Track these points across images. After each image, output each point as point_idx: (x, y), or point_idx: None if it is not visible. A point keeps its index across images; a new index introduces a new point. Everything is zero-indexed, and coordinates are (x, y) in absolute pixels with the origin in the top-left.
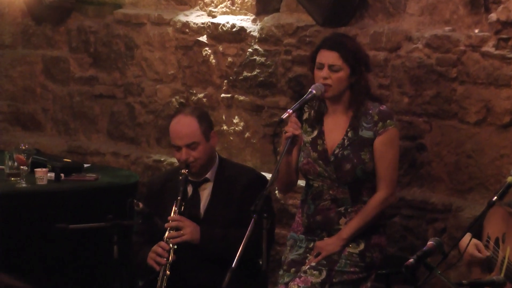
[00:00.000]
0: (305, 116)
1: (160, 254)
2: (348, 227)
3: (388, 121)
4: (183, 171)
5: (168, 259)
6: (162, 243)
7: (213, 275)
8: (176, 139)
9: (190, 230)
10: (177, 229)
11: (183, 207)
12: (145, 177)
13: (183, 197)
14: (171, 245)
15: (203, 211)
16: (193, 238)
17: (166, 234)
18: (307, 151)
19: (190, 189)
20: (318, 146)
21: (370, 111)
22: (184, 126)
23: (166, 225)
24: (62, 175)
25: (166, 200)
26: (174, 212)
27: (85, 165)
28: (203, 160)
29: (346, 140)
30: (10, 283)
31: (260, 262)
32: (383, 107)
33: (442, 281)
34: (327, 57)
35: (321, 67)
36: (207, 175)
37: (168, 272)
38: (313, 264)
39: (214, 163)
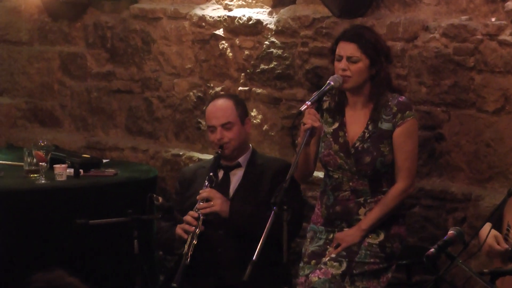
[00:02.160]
0: (326, 105)
1: (189, 222)
2: (368, 218)
3: (407, 112)
4: (218, 150)
5: (196, 227)
6: (191, 212)
7: (240, 251)
8: (213, 119)
9: (220, 202)
10: (207, 200)
11: (213, 184)
12: (164, 171)
13: (215, 174)
14: (200, 214)
15: (232, 194)
16: (222, 210)
17: (197, 205)
18: (328, 142)
19: (221, 174)
20: (340, 138)
21: (389, 103)
22: (221, 106)
23: (197, 197)
24: (81, 171)
25: (197, 183)
26: (205, 186)
27: (104, 161)
28: (237, 142)
29: (366, 133)
30: (70, 281)
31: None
32: (402, 98)
33: (463, 270)
34: (346, 48)
35: (340, 58)
36: (239, 160)
37: (195, 242)
38: (333, 255)
39: (247, 150)
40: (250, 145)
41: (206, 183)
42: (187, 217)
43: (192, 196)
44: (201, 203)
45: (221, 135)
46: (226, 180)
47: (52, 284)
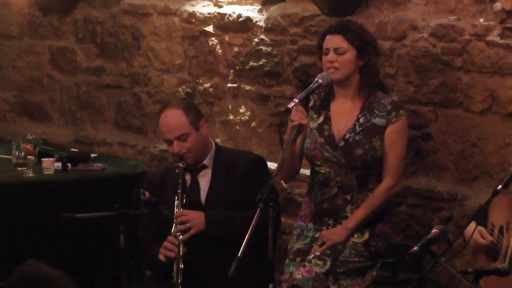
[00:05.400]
0: (311, 103)
1: (170, 249)
2: (354, 217)
3: (401, 111)
4: (179, 164)
5: (178, 252)
6: (171, 238)
7: (221, 261)
8: (166, 133)
9: (196, 222)
10: (183, 222)
11: (184, 199)
12: (151, 166)
13: (183, 188)
14: (180, 238)
15: (204, 198)
16: (200, 228)
17: (173, 229)
18: (314, 137)
19: (188, 178)
20: (325, 132)
21: (382, 101)
22: (171, 119)
23: (174, 221)
24: (69, 165)
25: (167, 190)
26: (177, 206)
27: (92, 155)
28: (196, 150)
29: (357, 126)
30: (47, 272)
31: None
32: (395, 98)
33: (448, 269)
34: (332, 41)
35: (327, 52)
36: (205, 162)
37: (181, 266)
38: (317, 253)
39: (210, 150)
40: (213, 142)
41: (177, 202)
42: (167, 244)
43: (165, 205)
44: (178, 225)
45: (178, 147)
46: (196, 184)
47: (28, 276)
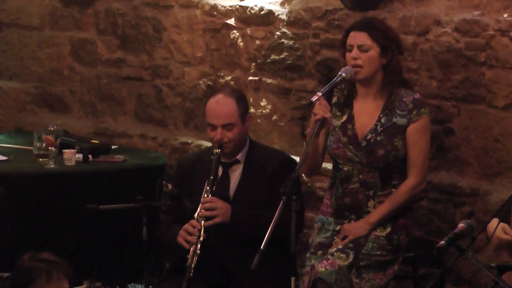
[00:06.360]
0: (334, 100)
1: (191, 233)
2: (377, 212)
3: (422, 109)
4: (216, 150)
5: (198, 237)
6: (194, 222)
7: (242, 255)
8: (214, 118)
9: (222, 212)
10: (210, 209)
11: (214, 187)
12: (172, 159)
13: (215, 176)
14: (202, 223)
15: (233, 193)
16: (225, 220)
17: (198, 213)
18: (337, 135)
19: (220, 170)
20: (348, 131)
21: (404, 99)
22: (224, 106)
23: (200, 206)
24: (90, 156)
25: (197, 179)
26: (206, 192)
27: (113, 147)
28: (236, 142)
29: (379, 126)
30: (52, 259)
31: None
32: (417, 96)
33: (469, 264)
34: (356, 37)
35: (351, 48)
36: (238, 157)
37: (198, 251)
38: (340, 247)
39: (245, 145)
40: (248, 137)
41: (207, 188)
42: (189, 227)
43: (192, 195)
44: (203, 211)
45: (221, 135)
46: (226, 177)
47: (23, 267)
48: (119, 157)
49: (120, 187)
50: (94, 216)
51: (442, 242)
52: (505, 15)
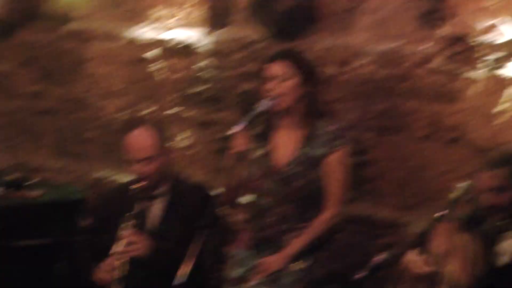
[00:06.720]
0: (254, 132)
1: (109, 270)
2: (294, 245)
3: (343, 139)
4: (135, 185)
5: (118, 274)
6: (112, 260)
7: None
8: (133, 152)
9: (140, 246)
10: (127, 244)
11: (133, 222)
12: (91, 193)
13: (137, 211)
14: (120, 260)
15: (152, 227)
16: (143, 254)
17: (116, 249)
18: (255, 167)
19: (140, 205)
20: (266, 162)
21: (325, 129)
22: (143, 139)
23: (118, 241)
24: (6, 191)
25: (116, 214)
26: (126, 227)
27: (30, 182)
28: (157, 175)
29: (298, 157)
30: None
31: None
32: (338, 126)
33: None
34: (274, 68)
35: (269, 79)
36: (158, 191)
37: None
38: (256, 281)
39: (165, 178)
40: (170, 171)
41: (127, 222)
42: (108, 265)
43: (111, 229)
44: (121, 247)
45: (141, 168)
46: (145, 212)
47: None
48: (36, 192)
49: (38, 222)
50: (8, 253)
51: (361, 273)
52: (424, 47)
